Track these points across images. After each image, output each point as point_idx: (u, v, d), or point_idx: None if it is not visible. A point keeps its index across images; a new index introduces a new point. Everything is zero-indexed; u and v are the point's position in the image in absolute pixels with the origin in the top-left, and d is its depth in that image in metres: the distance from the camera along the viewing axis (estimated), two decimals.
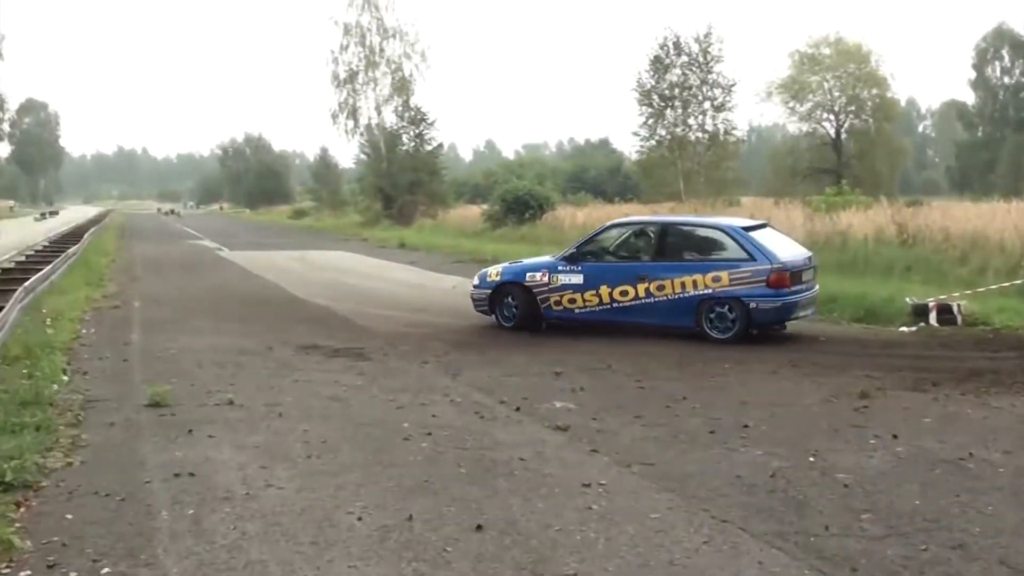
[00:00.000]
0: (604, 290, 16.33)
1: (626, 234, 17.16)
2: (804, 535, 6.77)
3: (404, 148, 66.72)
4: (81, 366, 13.18)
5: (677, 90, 57.00)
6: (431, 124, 66.50)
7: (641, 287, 15.98)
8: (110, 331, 16.71)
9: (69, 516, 7.18)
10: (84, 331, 16.53)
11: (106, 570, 6.22)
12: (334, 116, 70.05)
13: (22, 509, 7.34)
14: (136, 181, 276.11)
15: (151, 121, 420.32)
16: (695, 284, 15.61)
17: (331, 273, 29.29)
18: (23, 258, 28.12)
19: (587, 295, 16.51)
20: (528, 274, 17.23)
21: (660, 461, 8.60)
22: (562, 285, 16.76)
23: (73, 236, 41.92)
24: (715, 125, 57.68)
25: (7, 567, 6.30)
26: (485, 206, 53.09)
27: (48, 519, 7.14)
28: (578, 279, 16.64)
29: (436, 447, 9.02)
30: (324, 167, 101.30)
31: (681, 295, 15.71)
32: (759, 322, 15.50)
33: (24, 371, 11.97)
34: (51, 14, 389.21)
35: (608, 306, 16.34)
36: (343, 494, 7.63)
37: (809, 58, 73.20)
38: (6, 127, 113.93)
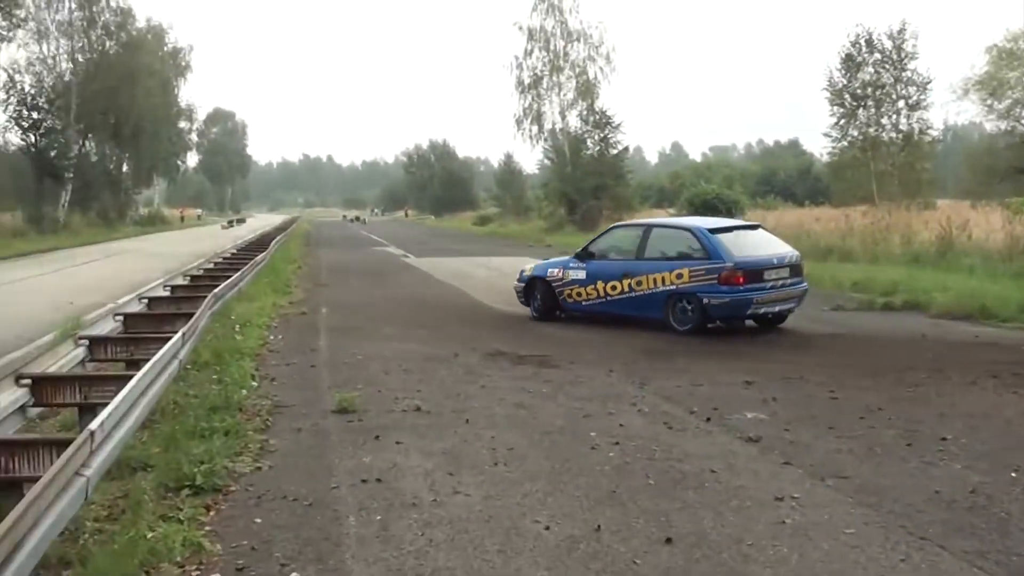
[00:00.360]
0: (600, 285, 18.83)
1: (621, 235, 19.76)
2: (1006, 554, 6.53)
3: (589, 152, 66.66)
4: (269, 372, 13.55)
5: (870, 89, 55.46)
6: (616, 127, 66.30)
7: (625, 282, 18.34)
8: (297, 337, 17.16)
9: (258, 520, 7.37)
10: (272, 337, 17.00)
11: (294, 575, 6.36)
12: (518, 121, 70.48)
13: (212, 512, 7.56)
14: (321, 189, 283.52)
15: (336, 129, 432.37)
16: (663, 280, 17.74)
17: (516, 280, 29.37)
18: (212, 265, 29.04)
19: (588, 289, 19.10)
20: (549, 270, 20.12)
21: (855, 474, 8.38)
22: (572, 280, 19.48)
23: (260, 243, 43.14)
24: (909, 124, 55.79)
25: (197, 570, 6.48)
26: (671, 210, 52.77)
27: (237, 523, 7.34)
28: (582, 275, 19.29)
29: (624, 457, 8.96)
30: (508, 173, 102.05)
31: (653, 290, 17.85)
32: (714, 316, 17.31)
33: (214, 376, 12.39)
34: (238, 25, 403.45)
35: (603, 299, 18.83)
36: (530, 502, 7.64)
37: (1007, 53, 70.25)
38: (194, 137, 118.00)
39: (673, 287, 17.54)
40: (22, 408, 8.87)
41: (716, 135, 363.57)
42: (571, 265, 19.66)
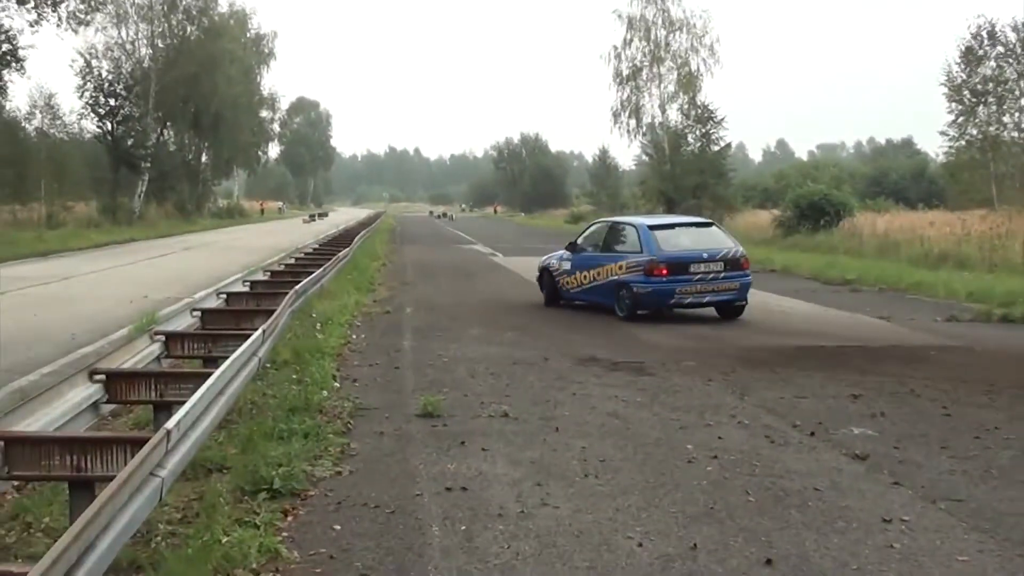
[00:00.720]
0: (579, 274, 22.13)
1: (595, 229, 23.03)
2: None
3: (689, 148, 66.22)
4: (351, 373, 13.68)
5: (991, 84, 54.45)
6: (719, 122, 65.70)
7: (592, 272, 21.64)
8: (380, 337, 17.30)
9: (337, 527, 7.42)
10: (354, 337, 17.17)
11: None
12: (615, 115, 70.21)
13: (289, 518, 7.64)
14: (407, 183, 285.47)
15: (424, 121, 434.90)
16: (612, 271, 21.02)
17: None
18: (293, 261, 29.31)
19: (572, 278, 22.41)
20: (551, 261, 23.59)
21: (970, 497, 8.23)
22: (563, 270, 22.80)
23: (343, 239, 43.47)
24: None
25: None
26: (776, 211, 52.16)
27: (315, 529, 7.40)
28: (569, 265, 22.62)
29: (722, 472, 8.90)
30: (603, 169, 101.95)
31: (607, 279, 21.11)
32: (642, 304, 20.37)
33: (294, 376, 12.53)
34: (324, 12, 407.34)
35: (581, 287, 22.11)
36: (622, 517, 7.61)
37: None
38: (276, 127, 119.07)
39: (617, 277, 20.85)
40: (95, 405, 8.97)
41: (824, 132, 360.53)
42: (564, 257, 23.02)
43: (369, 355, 15.30)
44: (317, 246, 38.59)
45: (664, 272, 20.04)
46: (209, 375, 8.57)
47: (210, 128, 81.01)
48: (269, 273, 24.03)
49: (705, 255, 20.30)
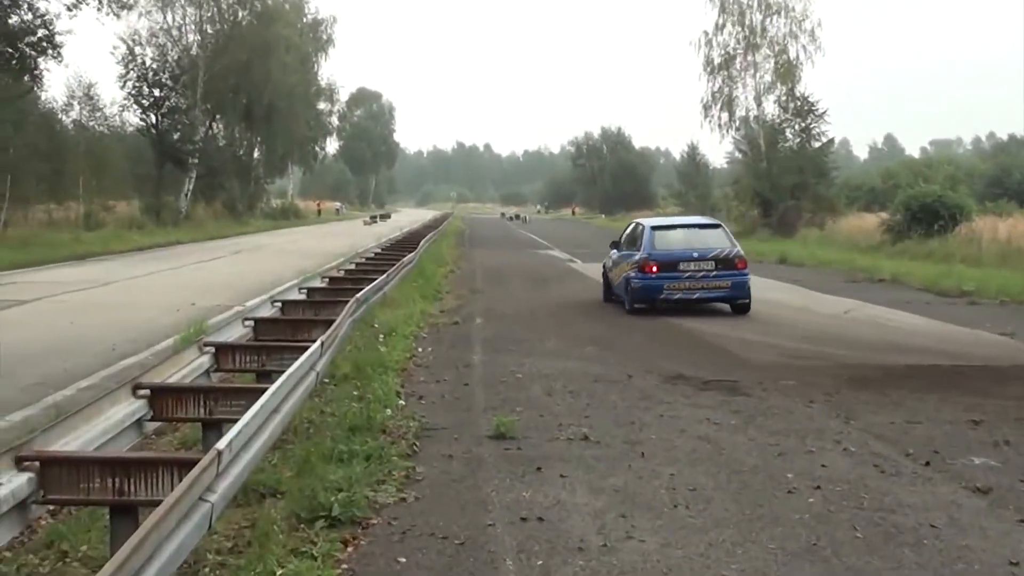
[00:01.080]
0: (614, 271, 26.10)
1: (629, 230, 26.73)
2: None
3: (787, 145, 65.82)
4: (416, 389, 13.72)
5: None
6: (820, 116, 65.18)
7: (619, 268, 25.50)
8: (449, 350, 17.35)
9: (401, 560, 7.43)
10: (420, 349, 17.24)
11: None
12: (705, 107, 69.99)
13: (349, 548, 7.66)
14: (476, 181, 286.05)
15: (495, 115, 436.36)
16: (625, 268, 24.76)
17: None
18: (353, 266, 29.47)
19: (612, 275, 26.36)
20: (606, 260, 27.47)
21: None
22: (608, 267, 26.99)
23: (407, 242, 43.65)
24: None
25: None
26: (884, 214, 51.61)
27: (378, 561, 7.41)
28: (610, 263, 26.77)
29: (826, 504, 8.80)
30: (692, 167, 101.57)
31: (623, 276, 24.82)
32: (636, 298, 23.88)
33: (354, 393, 12.58)
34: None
35: (614, 283, 25.96)
36: (716, 553, 7.55)
37: None
38: (335, 120, 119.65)
39: (626, 273, 24.51)
40: (138, 422, 9.02)
41: (937, 127, 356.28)
42: (611, 254, 26.98)
43: (436, 370, 15.35)
44: (379, 250, 38.77)
45: (654, 269, 23.62)
46: (263, 391, 8.62)
47: (263, 121, 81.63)
48: (327, 280, 24.16)
49: (695, 254, 23.78)
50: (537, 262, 44.14)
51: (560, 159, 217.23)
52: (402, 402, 12.65)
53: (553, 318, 22.81)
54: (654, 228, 25.05)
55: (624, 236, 26.76)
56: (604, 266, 27.67)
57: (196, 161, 70.25)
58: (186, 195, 69.28)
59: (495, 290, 29.39)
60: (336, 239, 57.62)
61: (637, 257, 24.05)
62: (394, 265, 27.18)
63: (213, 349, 11.99)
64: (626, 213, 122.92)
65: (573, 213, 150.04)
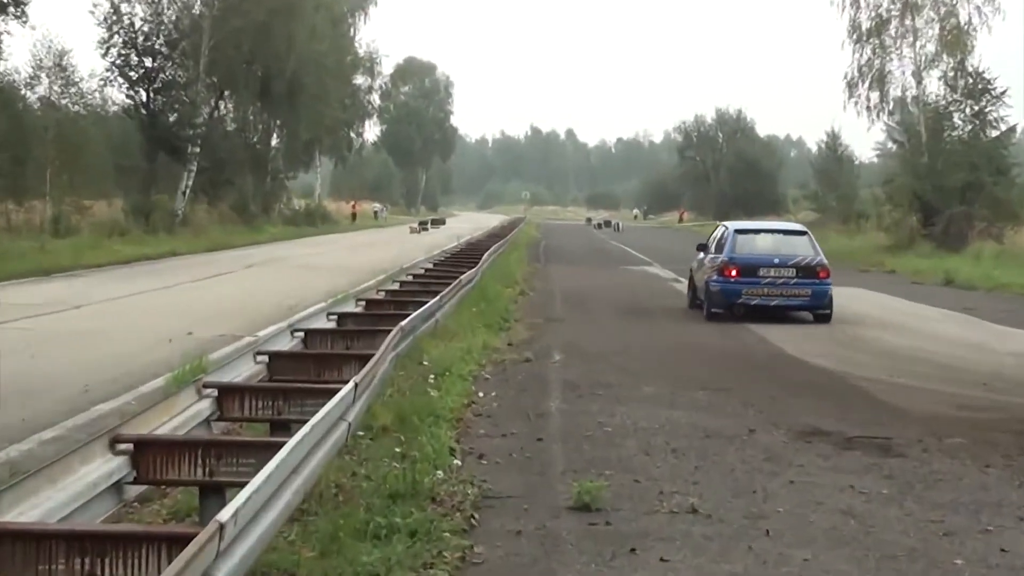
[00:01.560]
0: (699, 275, 31.73)
1: (715, 232, 32.72)
2: None
3: (955, 133, 65.12)
4: (476, 446, 13.69)
5: None
6: (998, 97, 64.24)
7: (702, 272, 31.17)
8: (518, 396, 17.33)
9: None
10: (481, 394, 17.23)
11: None
12: (850, 85, 69.78)
13: None
14: (555, 178, 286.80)
15: (580, 95, 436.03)
16: (707, 271, 30.26)
17: (843, 323, 29.16)
18: (396, 286, 29.42)
19: (695, 278, 32.52)
20: (692, 263, 33.59)
21: None
22: (694, 271, 33.08)
23: (466, 256, 43.60)
24: None
25: None
26: None
27: None
28: (696, 265, 32.73)
29: None
30: (832, 161, 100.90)
31: (704, 279, 30.44)
32: (713, 301, 29.45)
33: (396, 450, 12.56)
34: None
35: (698, 288, 31.61)
36: None
37: None
38: (376, 99, 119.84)
39: (707, 276, 30.01)
40: (117, 486, 9.00)
41: None
42: (698, 257, 32.59)
43: (502, 421, 15.32)
44: (430, 265, 38.79)
45: (734, 273, 28.86)
46: (279, 446, 8.60)
47: (284, 99, 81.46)
48: (364, 303, 24.19)
49: (776, 260, 29.04)
50: (632, 282, 44.15)
51: (663, 151, 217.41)
52: (458, 461, 12.63)
53: (652, 355, 22.80)
54: (738, 231, 30.83)
55: (711, 239, 32.29)
56: (691, 269, 33.70)
57: (197, 150, 69.78)
58: (184, 193, 69.02)
59: (578, 318, 29.49)
60: (375, 251, 57.95)
61: (718, 260, 29.52)
62: (449, 285, 27.19)
63: (215, 391, 12.01)
64: (749, 220, 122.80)
65: (680, 220, 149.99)
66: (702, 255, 31.92)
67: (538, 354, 21.99)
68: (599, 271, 50.47)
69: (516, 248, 64.04)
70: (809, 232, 32.25)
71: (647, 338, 25.54)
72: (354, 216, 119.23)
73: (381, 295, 26.65)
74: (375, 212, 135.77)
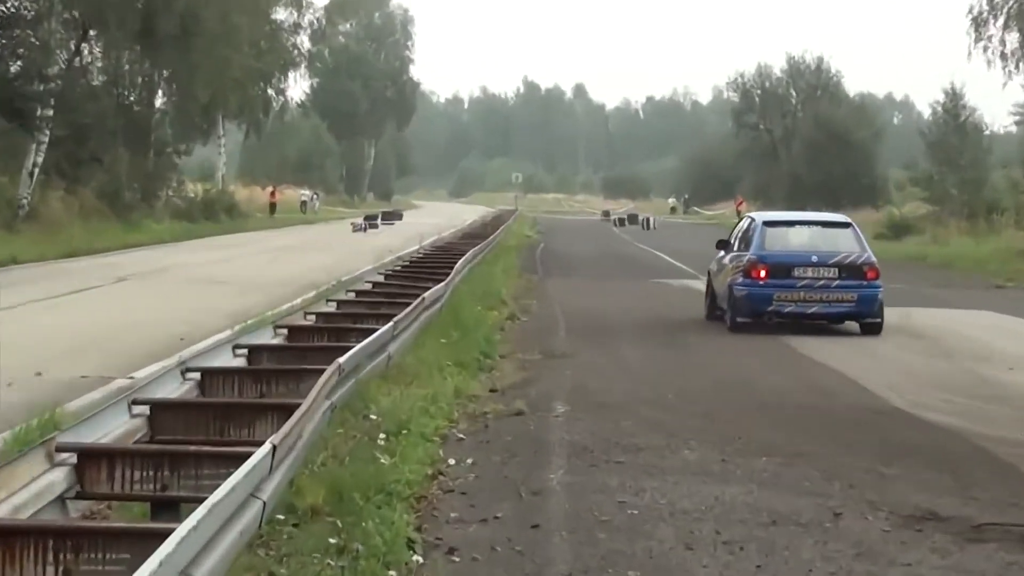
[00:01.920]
0: (720, 278, 34.55)
1: (739, 226, 35.98)
2: None
3: None
4: (445, 535, 13.71)
5: None
6: None
7: (722, 275, 34.00)
8: (504, 464, 17.35)
9: None
10: (452, 461, 17.27)
11: None
12: (977, 24, 70.01)
13: None
14: (560, 154, 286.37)
15: (591, 42, 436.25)
16: (729, 273, 32.97)
17: (967, 360, 29.28)
18: (333, 307, 29.40)
19: (715, 282, 35.27)
20: (711, 264, 36.85)
21: None
22: (713, 273, 35.97)
23: (433, 265, 43.55)
24: None
25: None
26: None
27: None
28: (715, 266, 35.66)
29: None
30: (953, 132, 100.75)
31: (725, 283, 33.01)
32: (739, 310, 31.88)
33: (332, 540, 12.52)
34: None
35: (719, 294, 34.33)
36: None
37: None
38: (305, 42, 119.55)
39: (729, 279, 32.56)
40: None
41: None
42: (718, 256, 35.71)
43: (481, 500, 15.32)
44: (381, 279, 38.81)
45: (763, 274, 31.58)
46: (162, 537, 8.58)
47: (173, 42, 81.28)
48: (285, 331, 24.21)
49: (815, 258, 31.79)
50: (667, 301, 44.22)
51: (711, 115, 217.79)
52: (418, 558, 12.62)
53: (694, 405, 22.71)
54: (767, 224, 34.01)
55: (734, 233, 35.59)
56: (708, 272, 36.83)
57: (50, 113, 69.37)
58: (31, 175, 68.58)
59: (590, 353, 29.44)
60: (303, 257, 58.05)
61: (744, 259, 32.50)
62: (407, 306, 27.14)
63: (74, 456, 12.00)
64: (833, 212, 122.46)
65: (739, 214, 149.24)
66: (723, 253, 35.05)
67: (534, 404, 21.90)
68: (619, 286, 50.52)
69: (503, 253, 64.10)
70: (854, 224, 34.65)
71: (687, 380, 25.46)
72: (273, 208, 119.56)
73: (310, 320, 26.65)
74: (303, 202, 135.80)
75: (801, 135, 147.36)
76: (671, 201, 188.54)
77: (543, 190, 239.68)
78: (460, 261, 44.42)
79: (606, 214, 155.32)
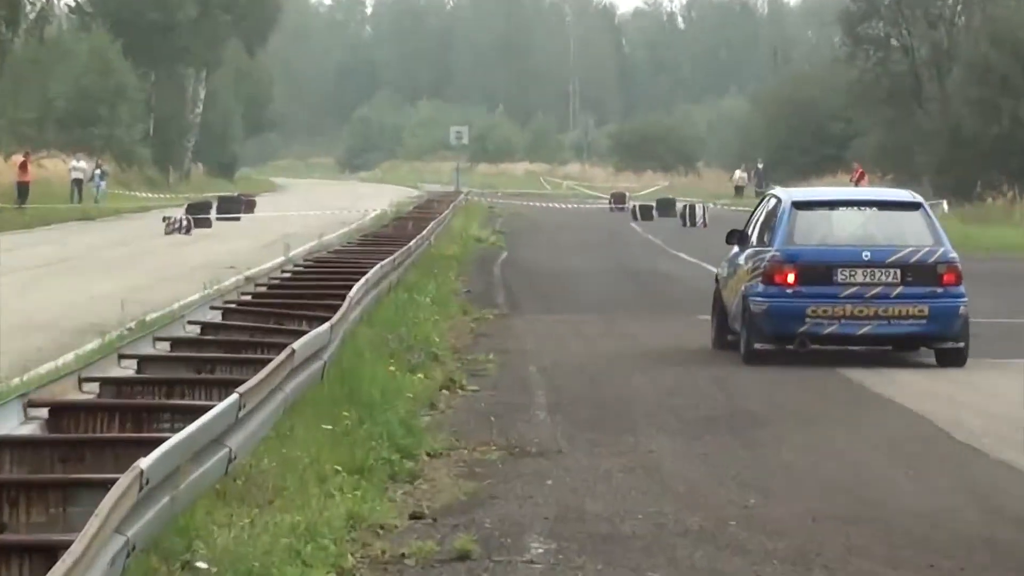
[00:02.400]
0: (729, 286, 40.49)
1: (759, 210, 40.40)
2: None
3: None
4: None
5: None
6: None
7: (732, 281, 39.30)
8: None
9: None
10: None
11: None
12: None
13: None
14: (533, 95, 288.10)
15: None
16: (742, 279, 36.46)
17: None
18: (132, 371, 29.55)
19: (724, 293, 41.04)
20: (719, 269, 45.00)
21: None
22: (721, 280, 42.29)
23: (312, 288, 44.21)
24: None
25: None
26: None
27: None
28: (725, 272, 41.84)
29: None
30: None
31: (736, 295, 37.07)
32: (759, 330, 34.64)
33: None
34: None
35: (730, 309, 39.93)
36: None
37: None
38: None
39: (744, 286, 35.79)
40: None
41: None
42: (730, 255, 39.90)
43: None
44: (216, 316, 39.00)
45: (791, 278, 31.75)
46: None
47: None
48: (44, 415, 24.27)
49: (867, 254, 31.29)
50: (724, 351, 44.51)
51: (801, 24, 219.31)
52: None
53: (784, 539, 22.62)
54: (798, 205, 34.26)
55: (752, 221, 36.58)
56: (716, 279, 39.10)
57: None
58: None
59: (587, 448, 29.69)
60: (77, 282, 58.37)
61: (764, 258, 32.99)
62: (262, 366, 27.20)
63: None
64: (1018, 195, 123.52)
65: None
66: (736, 250, 36.86)
67: (488, 541, 21.87)
68: (642, 328, 50.82)
69: (438, 270, 64.52)
70: (925, 203, 34.82)
71: (765, 494, 25.45)
72: (24, 191, 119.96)
73: (90, 393, 26.73)
74: (77, 180, 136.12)
75: (964, 59, 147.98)
76: (736, 175, 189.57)
77: (507, 158, 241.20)
78: (357, 285, 44.73)
79: (619, 200, 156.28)
